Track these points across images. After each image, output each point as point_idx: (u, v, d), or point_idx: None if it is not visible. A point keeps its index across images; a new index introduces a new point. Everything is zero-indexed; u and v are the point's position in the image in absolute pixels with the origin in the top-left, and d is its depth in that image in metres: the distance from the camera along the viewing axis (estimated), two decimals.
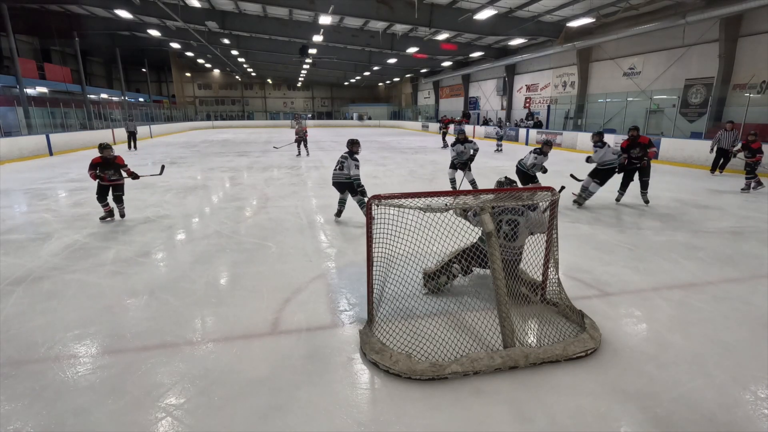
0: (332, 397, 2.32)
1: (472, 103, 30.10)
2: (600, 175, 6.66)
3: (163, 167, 7.15)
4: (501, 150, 16.55)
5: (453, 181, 8.10)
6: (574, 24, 14.96)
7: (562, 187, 3.91)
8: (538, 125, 20.67)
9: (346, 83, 44.50)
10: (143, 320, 3.19)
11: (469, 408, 2.24)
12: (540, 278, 3.38)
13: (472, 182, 7.86)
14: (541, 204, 3.36)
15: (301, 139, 14.71)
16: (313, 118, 43.85)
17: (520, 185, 5.96)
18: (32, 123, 16.81)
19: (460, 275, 3.63)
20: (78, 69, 23.48)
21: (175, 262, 4.42)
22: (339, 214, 6.05)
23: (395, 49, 22.10)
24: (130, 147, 16.91)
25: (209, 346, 2.82)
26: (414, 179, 9.94)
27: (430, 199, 2.78)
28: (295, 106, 48.17)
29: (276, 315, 3.26)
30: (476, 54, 22.99)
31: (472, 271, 3.66)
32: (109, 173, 5.84)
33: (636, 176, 6.86)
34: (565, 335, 2.85)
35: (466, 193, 3.24)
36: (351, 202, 5.99)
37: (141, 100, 37.30)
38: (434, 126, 29.45)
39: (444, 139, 18.55)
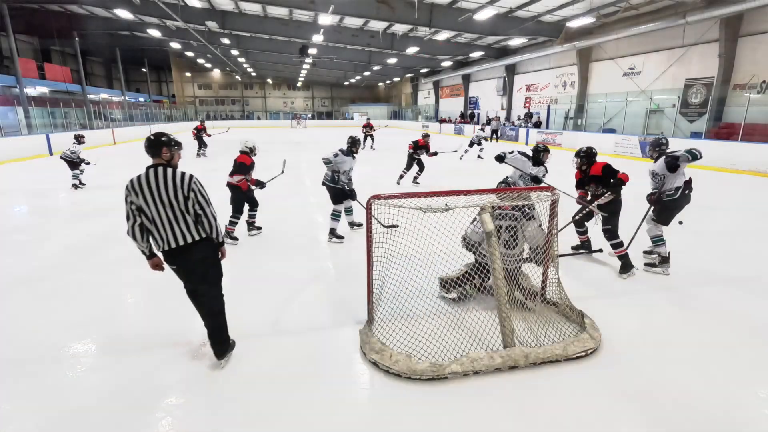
0: (332, 397, 2.32)
1: (472, 103, 30.07)
2: None
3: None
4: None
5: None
6: (574, 24, 14.94)
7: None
8: (537, 125, 20.68)
9: (346, 83, 44.46)
10: (143, 320, 3.19)
11: (469, 408, 2.23)
12: (540, 278, 3.38)
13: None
14: (537, 218, 3.30)
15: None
16: (313, 118, 43.82)
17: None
18: (32, 123, 16.80)
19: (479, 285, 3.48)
20: (78, 69, 23.49)
21: None
22: None
23: (395, 49, 22.09)
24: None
25: (209, 346, 2.82)
26: None
27: (429, 199, 2.78)
28: (295, 106, 48.14)
29: (276, 315, 3.26)
30: (476, 54, 22.97)
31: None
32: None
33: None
34: (565, 335, 2.84)
35: (466, 193, 3.23)
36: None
37: (141, 99, 37.28)
38: (434, 126, 29.45)
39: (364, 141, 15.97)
